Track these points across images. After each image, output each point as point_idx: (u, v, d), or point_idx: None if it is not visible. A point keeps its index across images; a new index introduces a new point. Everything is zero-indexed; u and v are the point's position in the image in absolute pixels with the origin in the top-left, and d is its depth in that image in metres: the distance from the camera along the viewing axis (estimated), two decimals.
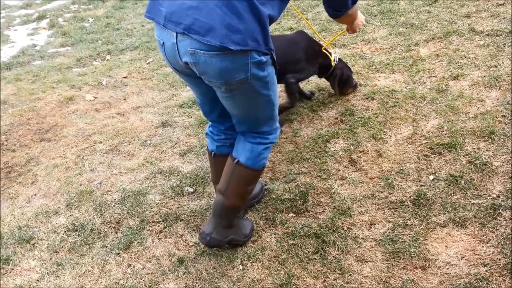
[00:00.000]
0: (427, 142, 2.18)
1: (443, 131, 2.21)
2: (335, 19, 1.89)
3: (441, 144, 2.14)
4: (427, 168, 2.05)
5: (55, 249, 1.98)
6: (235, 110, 1.63)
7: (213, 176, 1.92)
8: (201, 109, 1.84)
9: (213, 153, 1.85)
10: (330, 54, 2.49)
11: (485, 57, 2.64)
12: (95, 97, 3.26)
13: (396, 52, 2.96)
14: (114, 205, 2.17)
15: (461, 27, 2.99)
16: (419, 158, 2.12)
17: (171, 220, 2.03)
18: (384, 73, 2.81)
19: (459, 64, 2.65)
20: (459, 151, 2.07)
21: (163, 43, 1.48)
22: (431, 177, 2.00)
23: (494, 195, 1.82)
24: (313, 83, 2.87)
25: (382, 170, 2.11)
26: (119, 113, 3.00)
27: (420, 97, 2.49)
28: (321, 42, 2.54)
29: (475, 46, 2.78)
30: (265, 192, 2.11)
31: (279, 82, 2.24)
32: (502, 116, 2.19)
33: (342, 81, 2.54)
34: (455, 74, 2.58)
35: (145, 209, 2.12)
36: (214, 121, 1.83)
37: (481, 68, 2.56)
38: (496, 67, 2.54)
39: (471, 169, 1.96)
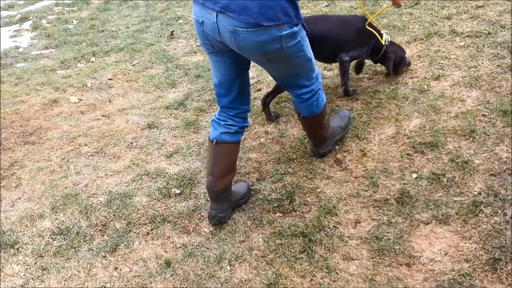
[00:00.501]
0: (409, 141, 2.22)
1: (425, 130, 2.26)
2: None
3: (423, 143, 2.18)
4: (410, 166, 2.09)
5: (40, 254, 1.96)
6: (276, 72, 1.85)
7: (210, 167, 1.94)
8: (216, 93, 1.92)
9: (215, 140, 1.91)
10: (381, 36, 2.49)
11: (465, 58, 2.70)
12: (80, 99, 3.23)
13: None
14: (100, 208, 2.16)
15: (442, 29, 3.05)
16: (402, 157, 2.16)
17: (158, 222, 2.03)
18: (368, 73, 2.85)
19: (441, 64, 2.71)
20: (441, 149, 2.12)
21: (202, 21, 1.63)
22: (414, 175, 2.04)
23: (476, 192, 1.87)
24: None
25: (367, 169, 2.14)
26: (104, 115, 2.98)
27: (402, 98, 2.53)
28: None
29: (456, 47, 2.84)
30: (252, 192, 2.12)
31: (332, 60, 2.58)
32: (483, 115, 2.25)
33: (396, 63, 2.61)
34: (436, 74, 2.63)
35: (132, 211, 2.11)
36: (226, 107, 1.91)
37: (462, 69, 2.62)
38: (476, 67, 2.60)
39: (453, 167, 2.01)
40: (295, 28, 1.61)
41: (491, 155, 2.02)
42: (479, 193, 1.86)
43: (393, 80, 2.69)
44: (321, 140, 2.16)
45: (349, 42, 2.48)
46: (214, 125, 1.95)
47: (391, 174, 2.08)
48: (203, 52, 3.55)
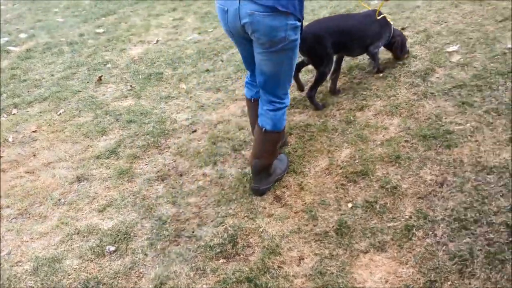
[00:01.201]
0: (342, 172, 2.30)
1: (356, 159, 2.36)
2: None
3: (355, 172, 2.27)
4: (345, 196, 2.15)
5: None
6: (266, 67, 2.02)
7: (253, 119, 2.28)
8: (244, 63, 2.25)
9: (253, 99, 2.26)
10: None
11: (384, 88, 2.90)
12: (1, 156, 3.00)
13: (307, 88, 3.13)
14: (25, 278, 1.97)
15: (362, 62, 3.26)
16: (337, 187, 2.22)
17: (92, 286, 1.88)
18: (299, 108, 2.95)
19: (363, 95, 2.88)
20: (371, 177, 2.21)
21: (227, 9, 1.90)
22: (350, 205, 2.10)
23: (407, 217, 1.96)
24: (233, 123, 2.91)
25: (305, 203, 2.17)
26: (28, 172, 2.78)
27: (332, 129, 2.64)
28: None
29: (376, 78, 3.04)
30: (194, 239, 2.06)
31: (363, 52, 2.94)
32: (405, 141, 2.39)
33: (400, 46, 2.98)
34: (360, 105, 2.78)
35: (62, 277, 1.95)
36: (254, 71, 2.17)
37: (382, 98, 2.80)
38: (395, 96, 2.79)
39: (384, 193, 2.10)
40: (298, 23, 1.89)
41: (416, 179, 2.14)
42: (410, 217, 1.95)
43: (323, 113, 2.81)
44: (267, 172, 2.27)
45: (375, 34, 2.84)
46: (249, 86, 2.29)
47: (328, 206, 2.12)
48: (134, 96, 3.49)
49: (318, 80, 2.77)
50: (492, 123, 2.35)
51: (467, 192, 1.98)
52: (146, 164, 2.68)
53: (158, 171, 2.60)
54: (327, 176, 2.32)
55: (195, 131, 2.92)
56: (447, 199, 1.98)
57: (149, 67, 3.95)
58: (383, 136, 2.48)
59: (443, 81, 2.80)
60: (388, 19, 2.90)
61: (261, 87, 2.12)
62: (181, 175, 2.54)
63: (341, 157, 2.41)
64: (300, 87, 2.96)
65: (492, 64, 2.82)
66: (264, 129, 2.16)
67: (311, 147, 2.55)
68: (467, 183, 2.02)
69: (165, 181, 2.52)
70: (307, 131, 2.69)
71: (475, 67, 2.85)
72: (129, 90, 3.60)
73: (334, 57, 2.80)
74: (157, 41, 4.57)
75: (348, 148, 2.46)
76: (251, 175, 2.33)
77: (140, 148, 2.83)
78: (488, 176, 2.03)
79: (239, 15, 1.85)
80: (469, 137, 2.28)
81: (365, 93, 2.90)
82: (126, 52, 4.40)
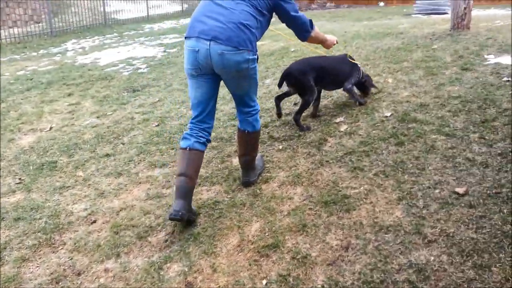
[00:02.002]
0: (254, 247, 2.27)
1: (266, 232, 2.36)
2: (305, 41, 2.85)
3: (266, 246, 2.25)
4: (259, 273, 2.11)
5: None
6: (239, 90, 2.58)
7: (183, 169, 2.48)
8: (196, 110, 2.57)
9: (188, 147, 2.52)
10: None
11: (285, 159, 3.04)
12: None
13: (213, 165, 3.16)
14: None
15: (262, 136, 3.42)
16: (250, 264, 2.17)
17: None
18: (206, 186, 2.93)
19: (267, 168, 2.98)
20: (282, 249, 2.22)
21: (198, 50, 2.35)
22: (264, 281, 2.05)
23: (319, 286, 1.96)
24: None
25: (219, 286, 2.07)
26: None
27: (240, 204, 2.64)
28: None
29: (276, 151, 3.19)
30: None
31: (337, 87, 3.62)
32: (309, 209, 2.48)
33: (369, 85, 3.69)
34: (265, 178, 2.87)
35: None
36: (200, 121, 2.57)
37: (285, 169, 2.93)
38: (296, 166, 2.94)
39: (295, 264, 2.10)
40: (255, 56, 2.46)
41: (324, 245, 2.20)
42: (323, 286, 1.96)
43: (230, 188, 2.82)
44: (252, 167, 2.81)
45: (347, 73, 3.48)
46: (187, 137, 2.55)
47: (243, 286, 2.05)
48: (23, 190, 3.16)
49: (303, 106, 3.37)
50: (382, 184, 2.57)
51: (370, 253, 2.08)
52: (38, 267, 2.37)
53: (52, 273, 2.30)
54: (240, 254, 2.27)
55: (94, 221, 2.70)
56: (353, 263, 2.05)
57: (41, 157, 3.67)
58: (289, 206, 2.55)
59: (335, 149, 3.04)
60: (357, 63, 3.60)
61: (237, 103, 2.68)
62: (79, 274, 2.27)
63: (251, 231, 2.40)
64: (279, 114, 3.52)
65: (374, 131, 3.16)
66: (246, 131, 2.71)
67: (221, 224, 2.50)
68: (369, 244, 2.13)
69: (60, 283, 2.23)
70: (215, 208, 2.65)
71: (360, 134, 3.16)
72: (17, 183, 3.27)
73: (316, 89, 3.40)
74: (51, 128, 4.32)
75: (258, 221, 2.47)
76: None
77: (30, 248, 2.51)
78: (386, 235, 2.16)
79: (210, 54, 2.33)
80: (364, 200, 2.46)
81: (268, 165, 3.01)
82: (15, 142, 4.07)
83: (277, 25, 2.94)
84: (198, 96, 2.54)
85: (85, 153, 3.64)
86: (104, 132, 4.01)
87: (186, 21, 13.97)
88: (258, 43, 2.54)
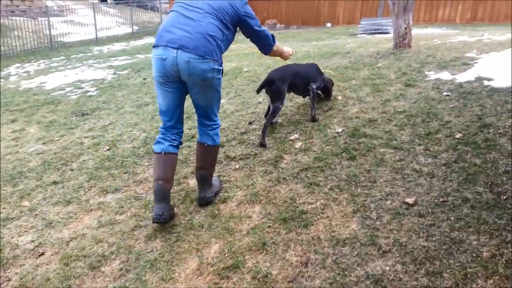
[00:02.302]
0: (214, 270, 2.23)
1: (225, 253, 2.33)
2: (267, 55, 2.99)
3: (226, 268, 2.22)
4: None
5: None
6: (202, 99, 2.64)
7: (160, 172, 2.61)
8: (165, 117, 2.66)
9: (163, 152, 2.62)
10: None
11: (242, 178, 3.04)
12: None
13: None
14: None
15: (218, 156, 3.40)
16: None
17: None
18: None
19: (224, 188, 2.96)
20: (243, 269, 2.19)
21: (165, 58, 2.44)
22: None
23: None
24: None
25: None
26: None
27: (198, 226, 2.60)
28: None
29: (233, 170, 3.18)
30: None
31: (304, 90, 3.81)
32: (268, 226, 2.48)
33: (331, 86, 4.21)
34: (223, 197, 2.84)
35: None
36: (171, 127, 2.68)
37: (242, 188, 2.92)
38: (253, 184, 2.94)
39: (256, 284, 2.08)
40: (220, 68, 2.55)
41: (284, 263, 2.20)
42: None
43: (187, 210, 2.76)
44: (209, 183, 2.81)
45: (314, 76, 3.83)
46: (160, 141, 2.66)
47: None
48: None
49: (274, 112, 3.57)
50: (337, 198, 2.62)
51: (329, 267, 2.10)
52: None
53: None
54: (199, 277, 2.21)
55: (42, 254, 2.54)
56: (313, 278, 2.06)
57: None
58: (248, 225, 2.54)
59: (291, 166, 3.08)
60: (322, 70, 4.03)
61: (199, 115, 2.74)
62: None
63: (210, 253, 2.35)
64: (263, 144, 3.65)
65: (327, 147, 3.25)
66: (206, 144, 2.75)
67: (179, 248, 2.44)
68: (327, 258, 2.16)
69: None
70: (172, 232, 2.59)
71: (314, 150, 3.24)
72: None
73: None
74: None
75: (217, 243, 2.43)
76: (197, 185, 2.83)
77: None
78: (343, 248, 2.20)
79: (177, 62, 2.42)
80: (321, 214, 2.50)
81: (225, 185, 2.99)
82: None
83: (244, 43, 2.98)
84: (166, 104, 2.63)
85: (30, 181, 3.44)
86: (51, 159, 3.83)
87: (137, 43, 13.82)
88: None
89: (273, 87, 3.50)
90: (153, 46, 2.53)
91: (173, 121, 2.67)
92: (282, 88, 3.52)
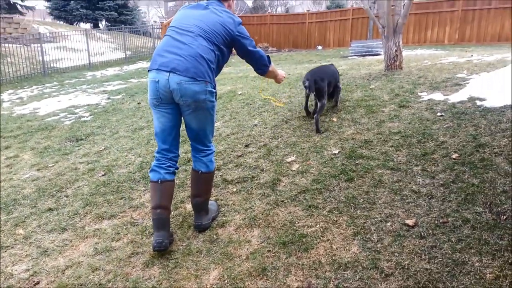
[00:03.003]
0: None
1: (225, 280, 2.28)
2: (263, 75, 2.94)
3: None
4: None
5: None
6: (195, 122, 2.62)
7: (158, 201, 2.58)
8: (160, 139, 2.64)
9: (159, 180, 2.60)
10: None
11: (240, 202, 3.02)
12: None
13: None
14: None
15: (215, 179, 3.39)
16: None
17: None
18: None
19: (222, 212, 2.93)
20: None
21: (158, 80, 2.48)
22: None
23: None
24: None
25: None
26: None
27: (197, 252, 2.55)
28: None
29: (231, 194, 3.16)
30: None
31: (332, 92, 4.53)
32: (268, 251, 2.45)
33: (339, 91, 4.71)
34: (221, 222, 2.81)
35: None
36: (166, 150, 2.65)
37: (240, 212, 2.89)
38: (251, 208, 2.92)
39: None
40: (214, 90, 2.57)
41: None
42: None
43: (185, 235, 2.72)
44: (205, 210, 2.79)
45: (338, 76, 4.59)
46: (156, 169, 2.63)
47: None
48: None
49: (322, 108, 4.09)
50: (336, 221, 2.61)
51: None
52: None
53: None
54: None
55: (37, 283, 2.47)
56: None
57: None
58: (247, 249, 2.50)
59: (289, 188, 3.07)
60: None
61: (192, 140, 2.72)
62: None
63: (210, 280, 2.31)
64: (308, 114, 4.46)
65: (325, 169, 3.25)
66: (200, 171, 2.73)
67: (177, 275, 2.39)
68: (329, 283, 2.12)
69: None
70: (170, 258, 2.54)
71: (312, 172, 3.23)
72: None
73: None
74: None
75: (216, 269, 2.38)
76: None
77: None
78: (345, 272, 2.17)
79: (169, 84, 2.45)
80: (321, 237, 2.47)
81: (223, 209, 2.96)
82: None
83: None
84: (160, 125, 2.62)
85: (25, 209, 3.38)
86: (46, 185, 3.77)
87: (130, 67, 13.92)
88: None
89: (317, 86, 4.02)
90: (148, 70, 2.58)
91: (168, 143, 2.65)
92: (324, 86, 4.10)
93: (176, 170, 2.71)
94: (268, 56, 2.90)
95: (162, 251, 2.54)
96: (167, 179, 2.62)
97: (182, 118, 2.65)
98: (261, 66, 2.87)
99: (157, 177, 2.61)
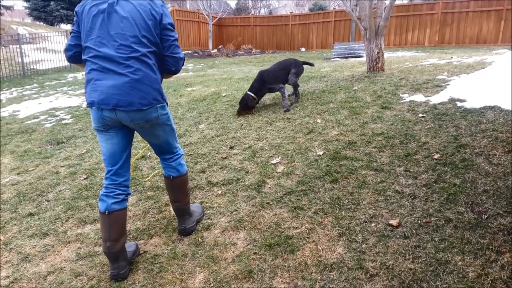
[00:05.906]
0: None
1: (210, 283, 2.26)
2: (176, 73, 2.58)
3: None
4: None
5: None
6: (154, 138, 2.50)
7: (107, 234, 2.38)
8: (109, 163, 2.41)
9: (107, 211, 2.38)
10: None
11: (226, 204, 3.00)
12: None
13: (149, 216, 3.02)
14: None
15: (200, 182, 3.37)
16: None
17: None
18: (143, 239, 2.77)
19: (207, 214, 2.91)
20: None
21: (102, 109, 2.25)
22: None
23: None
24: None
25: None
26: None
27: (182, 255, 2.53)
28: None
29: (216, 196, 3.14)
30: None
31: (286, 80, 5.12)
32: (254, 253, 2.44)
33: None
34: (206, 225, 2.79)
35: None
36: (115, 174, 2.42)
37: (226, 215, 2.88)
38: (237, 210, 2.91)
39: None
40: (163, 104, 2.40)
41: None
42: None
43: (170, 239, 2.69)
44: (188, 213, 2.74)
45: (290, 69, 5.22)
46: (103, 198, 2.40)
47: None
48: None
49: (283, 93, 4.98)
50: (322, 222, 2.62)
51: None
52: None
53: None
54: None
55: None
56: None
57: None
58: (233, 252, 2.49)
59: (274, 190, 3.07)
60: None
61: (158, 153, 2.65)
62: None
63: (195, 284, 2.29)
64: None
65: (310, 170, 3.26)
66: (171, 177, 2.66)
67: (162, 279, 2.36)
68: (315, 284, 2.13)
69: None
70: (155, 262, 2.51)
71: (297, 174, 3.24)
72: None
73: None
74: None
75: (201, 272, 2.37)
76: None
77: None
78: (331, 273, 2.18)
79: (116, 115, 2.28)
80: (307, 239, 2.48)
81: (208, 211, 2.94)
82: None
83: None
84: (109, 149, 2.41)
85: (5, 214, 3.29)
86: (26, 190, 3.69)
87: None
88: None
89: (269, 86, 4.96)
90: (87, 105, 2.31)
91: (117, 167, 2.41)
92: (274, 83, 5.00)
93: (127, 197, 2.48)
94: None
95: (120, 280, 2.39)
96: (115, 209, 2.39)
97: (140, 136, 2.52)
98: (180, 64, 2.47)
99: (104, 208, 2.39)
